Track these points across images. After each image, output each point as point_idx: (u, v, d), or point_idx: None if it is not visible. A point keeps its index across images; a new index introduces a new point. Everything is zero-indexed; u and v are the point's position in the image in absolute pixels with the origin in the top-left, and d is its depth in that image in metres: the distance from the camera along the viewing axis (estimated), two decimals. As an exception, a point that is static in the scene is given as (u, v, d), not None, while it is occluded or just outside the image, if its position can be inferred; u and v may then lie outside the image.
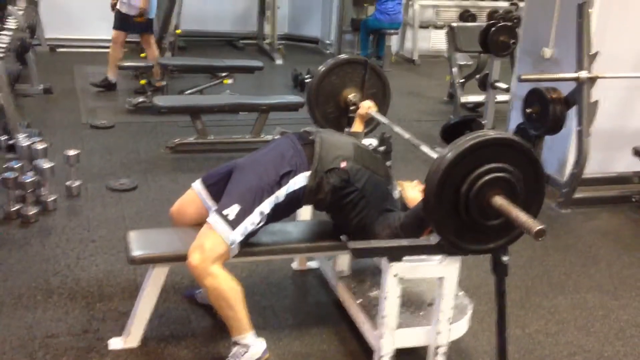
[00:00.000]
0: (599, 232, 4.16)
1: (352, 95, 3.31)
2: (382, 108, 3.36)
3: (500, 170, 2.13)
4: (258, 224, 2.47)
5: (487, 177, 2.12)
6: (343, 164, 2.57)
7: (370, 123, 3.31)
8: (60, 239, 3.57)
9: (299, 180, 2.53)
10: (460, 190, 2.13)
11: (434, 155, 2.47)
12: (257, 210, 2.45)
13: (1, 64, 4.50)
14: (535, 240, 2.02)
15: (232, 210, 2.42)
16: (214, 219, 2.43)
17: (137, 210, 4.00)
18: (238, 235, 2.42)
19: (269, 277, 3.29)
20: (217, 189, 2.64)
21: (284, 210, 2.57)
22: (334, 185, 2.56)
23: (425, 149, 2.64)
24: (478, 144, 2.11)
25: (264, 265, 3.34)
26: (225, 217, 2.41)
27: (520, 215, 2.04)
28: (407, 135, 2.79)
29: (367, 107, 3.17)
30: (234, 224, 2.41)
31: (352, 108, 3.29)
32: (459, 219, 2.18)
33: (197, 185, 2.74)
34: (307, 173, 2.54)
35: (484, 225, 2.19)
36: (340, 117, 3.33)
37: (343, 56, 3.42)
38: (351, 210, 2.60)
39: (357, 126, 3.19)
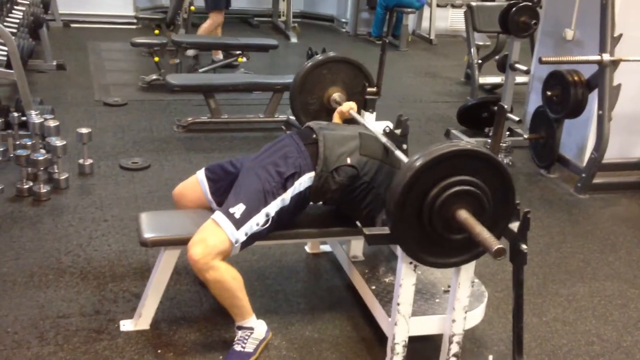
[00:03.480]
0: (618, 219, 4.09)
1: (337, 95, 3.22)
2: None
3: (469, 184, 2.08)
4: (263, 225, 2.46)
5: (454, 189, 2.07)
6: (349, 160, 2.55)
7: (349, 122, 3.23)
8: (72, 218, 3.55)
9: (304, 181, 2.53)
10: (425, 200, 2.08)
11: (406, 160, 2.39)
12: (263, 211, 2.44)
13: (14, 40, 4.45)
14: (493, 259, 1.96)
15: (238, 209, 2.41)
16: (219, 216, 2.41)
17: (149, 189, 3.97)
18: (242, 234, 2.41)
19: (281, 260, 3.26)
20: (219, 187, 2.69)
21: (291, 213, 2.56)
22: (342, 183, 2.54)
23: (398, 153, 2.57)
24: (449, 153, 2.06)
25: (276, 248, 3.31)
26: (231, 216, 2.40)
27: (483, 233, 1.98)
28: (383, 140, 2.71)
29: (349, 107, 3.09)
30: (239, 223, 2.40)
31: (335, 107, 3.21)
32: (422, 230, 2.13)
33: (201, 176, 2.74)
34: (312, 174, 2.53)
35: (447, 239, 2.15)
36: (320, 112, 3.24)
37: (340, 55, 3.31)
38: (361, 202, 2.58)
39: (337, 121, 3.12)
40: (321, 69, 3.22)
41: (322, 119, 3.19)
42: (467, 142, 2.16)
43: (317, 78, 3.22)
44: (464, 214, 2.06)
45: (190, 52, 6.80)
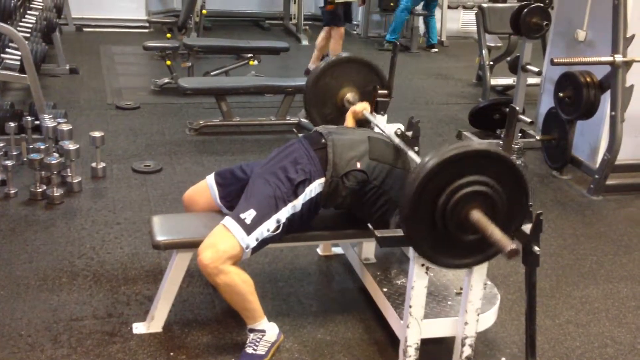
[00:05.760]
0: (632, 220, 4.06)
1: (349, 95, 3.20)
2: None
3: (481, 184, 2.08)
4: (274, 231, 2.46)
5: (466, 190, 2.07)
6: (358, 164, 2.54)
7: (365, 123, 3.20)
8: (85, 221, 3.57)
9: (315, 188, 2.53)
10: (438, 201, 2.08)
11: (419, 160, 2.39)
12: (274, 217, 2.45)
13: (28, 44, 4.49)
14: (507, 260, 1.97)
15: (249, 215, 2.42)
16: (229, 221, 2.42)
17: (162, 192, 3.99)
18: (253, 240, 2.41)
19: (293, 263, 3.26)
20: (229, 192, 2.70)
21: (303, 219, 2.55)
22: (352, 189, 2.54)
23: (411, 154, 2.57)
24: (461, 154, 2.06)
25: (288, 251, 3.31)
26: (242, 221, 2.41)
27: (495, 233, 1.98)
28: (396, 140, 2.71)
29: (362, 108, 3.08)
30: (250, 228, 2.40)
31: (348, 107, 3.19)
32: (435, 231, 2.13)
33: (211, 181, 2.76)
34: (322, 180, 2.53)
35: (460, 240, 2.15)
36: (339, 117, 3.22)
37: (335, 57, 3.30)
38: (372, 206, 2.58)
39: (349, 123, 3.10)
40: (324, 77, 3.20)
41: (343, 123, 3.19)
42: (478, 142, 2.16)
43: (325, 87, 3.21)
44: (477, 215, 2.06)
45: (311, 66, 6.62)
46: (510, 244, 1.93)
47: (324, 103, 3.23)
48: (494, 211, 2.09)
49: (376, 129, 3.07)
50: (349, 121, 3.10)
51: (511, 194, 2.13)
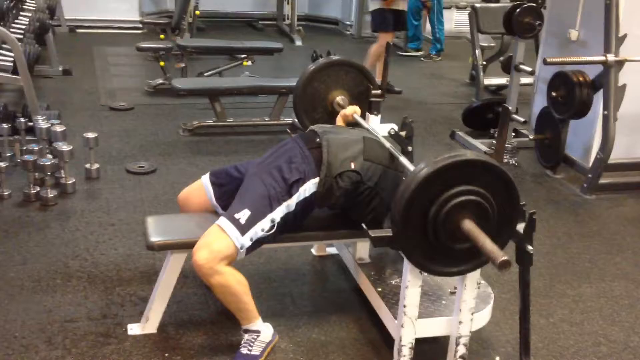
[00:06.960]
0: (625, 219, 4.08)
1: (339, 98, 3.19)
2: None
3: (473, 194, 2.08)
4: (268, 231, 2.46)
5: (458, 200, 2.07)
6: (352, 165, 2.54)
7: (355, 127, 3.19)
8: (79, 222, 3.57)
9: (309, 187, 2.53)
10: (429, 211, 2.09)
11: (412, 168, 2.39)
12: (268, 217, 2.45)
13: (21, 46, 4.48)
14: (498, 271, 1.96)
15: (243, 215, 2.42)
16: (224, 221, 2.42)
17: (156, 193, 3.99)
18: (247, 240, 2.41)
19: (287, 263, 3.26)
20: (224, 192, 2.70)
21: (297, 219, 2.55)
22: (346, 189, 2.54)
23: (403, 160, 2.57)
24: (453, 164, 2.06)
25: (282, 251, 3.31)
26: (236, 221, 2.41)
27: (487, 243, 1.98)
28: (387, 145, 2.70)
29: (352, 111, 3.05)
30: (244, 228, 2.40)
31: (338, 110, 3.17)
32: (427, 240, 2.14)
33: (206, 181, 2.76)
34: (316, 179, 2.53)
35: (452, 249, 2.15)
36: (329, 121, 3.18)
37: (323, 60, 3.27)
38: (366, 207, 2.59)
39: (340, 124, 3.08)
40: (314, 81, 3.18)
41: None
42: (469, 151, 2.16)
43: (314, 91, 3.19)
44: (468, 224, 2.06)
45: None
46: (501, 255, 1.93)
47: (314, 107, 3.21)
48: (486, 219, 2.10)
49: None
50: (339, 124, 3.08)
51: (502, 201, 2.14)
